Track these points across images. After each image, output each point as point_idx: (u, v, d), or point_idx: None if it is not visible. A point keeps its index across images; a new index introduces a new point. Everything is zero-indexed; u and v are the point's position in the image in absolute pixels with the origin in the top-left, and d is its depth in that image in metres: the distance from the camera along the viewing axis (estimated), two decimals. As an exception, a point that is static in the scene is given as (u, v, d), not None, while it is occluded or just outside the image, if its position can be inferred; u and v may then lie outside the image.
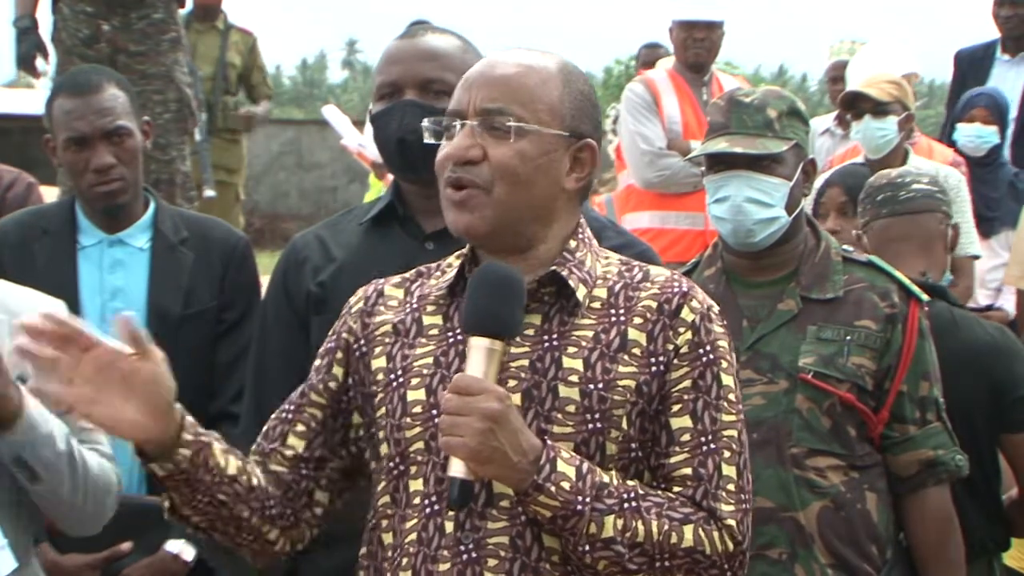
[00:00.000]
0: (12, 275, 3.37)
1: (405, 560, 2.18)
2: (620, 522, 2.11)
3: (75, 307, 3.48)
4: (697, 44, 6.37)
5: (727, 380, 2.22)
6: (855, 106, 5.59)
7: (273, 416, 2.36)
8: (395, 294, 2.33)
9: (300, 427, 2.32)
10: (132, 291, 3.60)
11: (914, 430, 3.18)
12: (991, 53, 7.52)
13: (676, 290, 2.22)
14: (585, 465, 2.12)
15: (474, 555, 2.14)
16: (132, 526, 3.46)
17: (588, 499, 2.10)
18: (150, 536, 3.50)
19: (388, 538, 2.23)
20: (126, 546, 3.46)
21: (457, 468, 2.09)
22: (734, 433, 2.21)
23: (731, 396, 2.22)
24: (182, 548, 3.50)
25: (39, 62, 6.31)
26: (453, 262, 2.33)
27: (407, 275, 2.36)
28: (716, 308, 2.25)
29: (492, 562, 2.13)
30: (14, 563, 2.87)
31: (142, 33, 6.11)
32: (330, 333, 2.37)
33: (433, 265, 2.37)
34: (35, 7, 6.36)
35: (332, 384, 2.31)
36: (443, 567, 2.14)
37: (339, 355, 2.32)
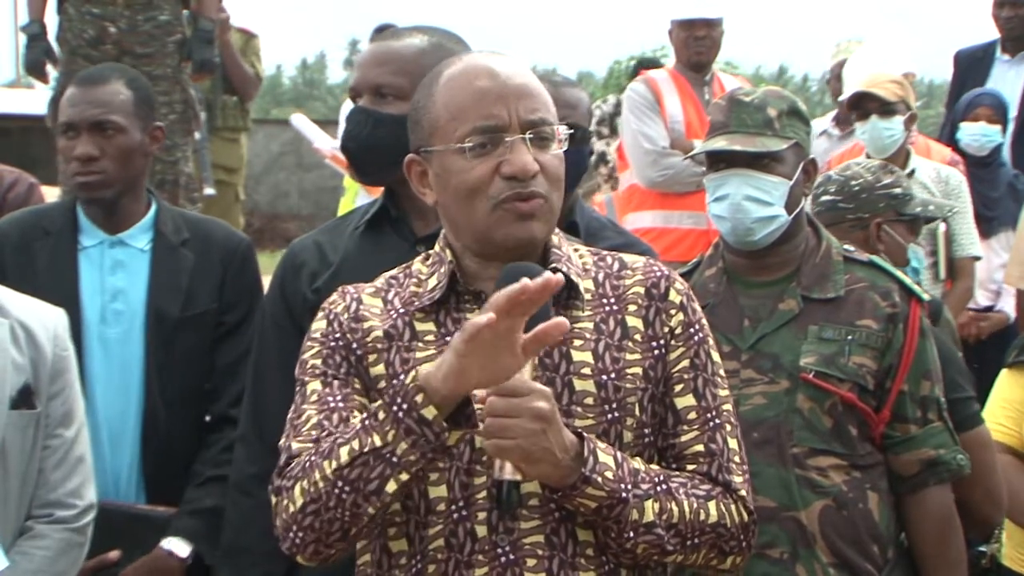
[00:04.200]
0: (13, 276, 3.38)
1: (432, 567, 2.18)
2: (657, 505, 2.16)
3: (76, 308, 3.48)
4: (698, 43, 6.38)
5: (716, 356, 2.30)
6: (860, 106, 5.60)
7: (311, 411, 2.22)
8: (374, 303, 2.31)
9: (358, 414, 2.22)
10: (132, 293, 3.59)
11: (915, 429, 3.18)
12: (991, 53, 7.52)
13: (659, 274, 2.29)
14: (619, 454, 2.16)
15: (512, 556, 2.15)
16: (127, 535, 3.45)
17: (630, 486, 2.14)
18: (146, 545, 3.48)
19: (399, 546, 2.22)
20: (114, 554, 3.44)
21: (507, 470, 2.10)
22: (729, 407, 2.29)
23: (721, 371, 2.30)
24: (177, 545, 3.49)
25: (47, 68, 6.34)
26: (424, 268, 2.33)
27: (377, 284, 2.35)
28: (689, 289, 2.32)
29: (531, 562, 2.15)
30: (5, 562, 2.89)
31: (148, 35, 6.13)
32: (321, 336, 2.29)
33: (399, 272, 2.36)
34: (43, 12, 6.38)
35: (358, 384, 2.25)
36: (480, 572, 2.15)
37: (350, 357, 2.26)
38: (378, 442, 2.08)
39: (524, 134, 2.21)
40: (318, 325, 2.32)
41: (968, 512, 3.31)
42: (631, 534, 2.14)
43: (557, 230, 2.33)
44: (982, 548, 3.85)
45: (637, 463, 2.18)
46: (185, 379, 3.59)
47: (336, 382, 2.24)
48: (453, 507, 2.18)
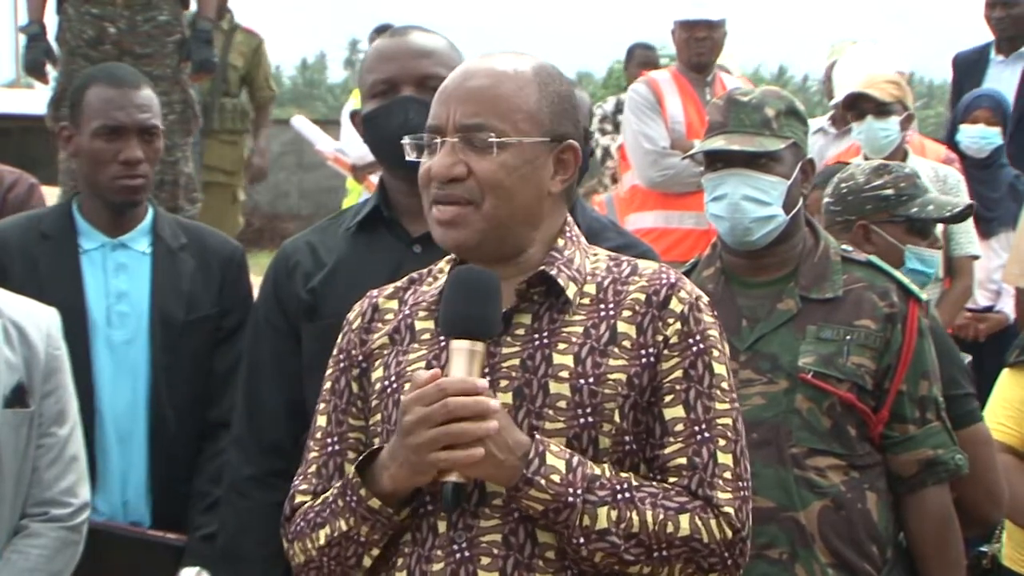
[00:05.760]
0: (18, 281, 3.37)
1: (400, 560, 2.20)
2: (614, 513, 2.12)
3: (82, 311, 3.49)
4: (699, 44, 6.40)
5: (719, 369, 2.23)
6: (856, 107, 5.60)
7: (314, 454, 2.33)
8: (390, 306, 2.34)
9: (351, 454, 2.29)
10: (136, 295, 3.59)
11: (914, 429, 3.18)
12: (985, 55, 7.55)
13: (664, 282, 2.24)
14: (576, 458, 2.14)
15: (467, 554, 2.15)
16: (141, 562, 3.44)
17: (579, 491, 2.11)
18: (159, 573, 3.46)
19: None
20: None
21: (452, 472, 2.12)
22: (728, 421, 2.22)
23: (724, 385, 2.23)
24: (197, 575, 3.47)
25: (47, 68, 6.35)
26: (444, 267, 2.33)
27: (400, 284, 2.37)
28: (705, 299, 2.27)
29: (485, 560, 2.14)
30: None
31: (147, 35, 6.14)
32: (336, 352, 2.36)
33: (424, 271, 2.37)
34: (43, 12, 6.39)
35: (360, 402, 2.31)
36: (436, 567, 2.16)
37: (354, 372, 2.32)
38: (344, 527, 2.21)
39: (454, 137, 2.21)
40: (339, 340, 2.38)
41: (966, 510, 3.31)
42: (581, 539, 2.12)
43: (574, 232, 2.32)
44: (982, 548, 3.85)
45: (599, 470, 2.15)
46: (192, 381, 3.59)
47: (335, 416, 2.32)
48: (421, 501, 2.19)
